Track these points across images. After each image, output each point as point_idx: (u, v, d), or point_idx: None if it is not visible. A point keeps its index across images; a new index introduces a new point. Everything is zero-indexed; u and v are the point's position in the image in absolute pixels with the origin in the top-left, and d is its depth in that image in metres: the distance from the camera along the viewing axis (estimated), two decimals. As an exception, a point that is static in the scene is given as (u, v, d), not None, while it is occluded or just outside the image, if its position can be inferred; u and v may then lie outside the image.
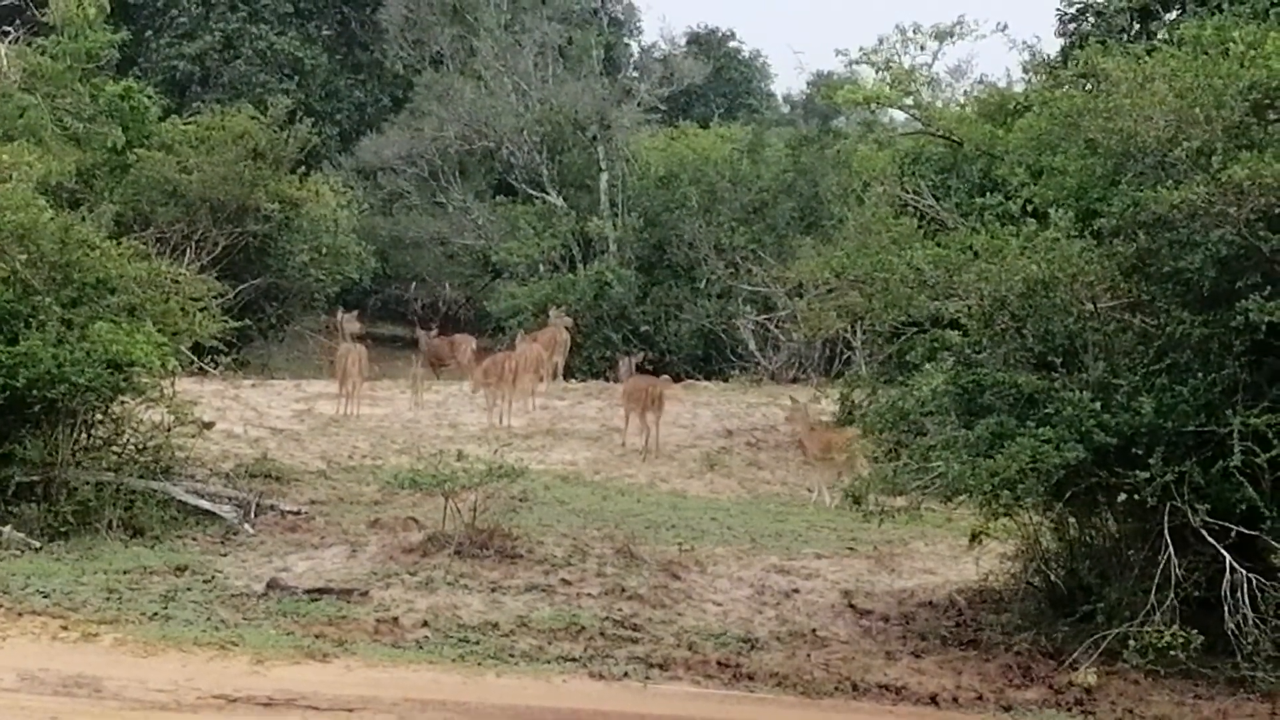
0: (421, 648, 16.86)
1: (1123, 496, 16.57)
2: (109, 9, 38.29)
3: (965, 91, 34.30)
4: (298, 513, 22.25)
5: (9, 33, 36.88)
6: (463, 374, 34.09)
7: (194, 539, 21.01)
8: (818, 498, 25.38)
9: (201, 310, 23.21)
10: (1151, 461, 16.20)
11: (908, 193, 23.62)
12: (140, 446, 22.39)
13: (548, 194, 46.50)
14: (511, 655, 16.70)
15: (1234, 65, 17.12)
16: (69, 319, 21.18)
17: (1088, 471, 16.62)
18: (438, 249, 49.01)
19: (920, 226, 20.41)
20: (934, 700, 16.08)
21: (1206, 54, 17.65)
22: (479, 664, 16.38)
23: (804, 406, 27.37)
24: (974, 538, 19.14)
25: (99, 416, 22.09)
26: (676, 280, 42.86)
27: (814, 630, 18.26)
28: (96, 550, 19.99)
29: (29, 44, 36.66)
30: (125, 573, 18.93)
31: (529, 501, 22.89)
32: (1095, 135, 17.92)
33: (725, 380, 37.52)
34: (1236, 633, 16.35)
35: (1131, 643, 16.31)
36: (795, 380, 36.69)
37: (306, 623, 17.34)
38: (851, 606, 19.31)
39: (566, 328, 36.49)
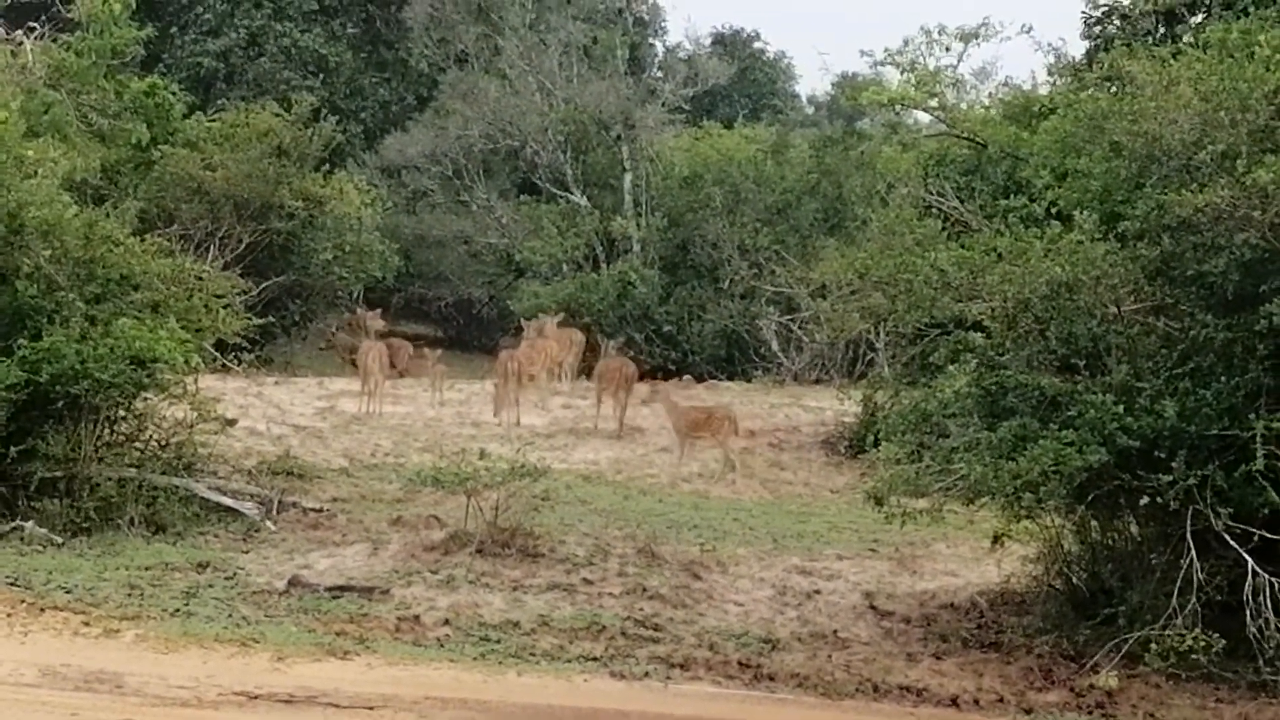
0: (443, 646, 16.88)
1: (1145, 500, 16.54)
2: (134, 5, 38.12)
3: (990, 93, 34.01)
4: (320, 510, 22.27)
5: (34, 29, 36.89)
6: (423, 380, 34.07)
7: (216, 536, 21.07)
8: (676, 465, 26.79)
9: (225, 307, 23.31)
10: (1174, 465, 16.20)
11: (932, 194, 23.56)
12: (163, 443, 22.46)
13: (571, 193, 46.47)
14: (533, 654, 16.72)
15: (1259, 69, 17.08)
16: (93, 315, 21.26)
17: (1110, 474, 16.61)
18: (461, 248, 49.02)
19: (944, 228, 20.35)
20: (955, 702, 16.08)
21: (1232, 57, 17.62)
22: (500, 663, 16.40)
23: (666, 390, 28.48)
24: (996, 540, 19.14)
25: (122, 412, 22.15)
26: (700, 280, 42.86)
27: (835, 631, 18.26)
28: (118, 546, 20.05)
29: (54, 40, 36.66)
30: (147, 569, 18.99)
31: (551, 500, 22.85)
32: (1120, 138, 17.88)
33: (748, 381, 37.50)
34: (1258, 636, 16.36)
35: (1153, 646, 16.28)
36: (818, 381, 36.65)
37: (328, 620, 17.37)
38: (873, 608, 19.30)
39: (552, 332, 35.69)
